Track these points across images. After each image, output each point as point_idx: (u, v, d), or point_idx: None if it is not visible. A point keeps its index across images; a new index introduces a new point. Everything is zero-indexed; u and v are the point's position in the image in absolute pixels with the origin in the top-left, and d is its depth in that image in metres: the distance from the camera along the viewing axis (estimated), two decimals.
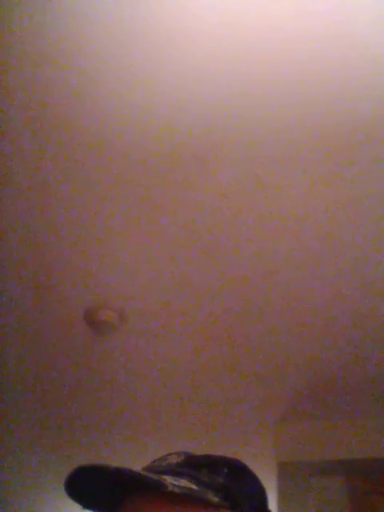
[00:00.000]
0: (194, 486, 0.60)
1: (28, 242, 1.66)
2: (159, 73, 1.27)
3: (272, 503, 2.00)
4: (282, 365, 2.04)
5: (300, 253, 1.67)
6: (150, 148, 1.42)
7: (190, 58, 1.24)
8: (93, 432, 2.41)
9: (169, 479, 0.59)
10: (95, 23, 1.19)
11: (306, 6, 1.16)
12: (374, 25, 1.19)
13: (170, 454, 0.69)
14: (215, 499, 0.61)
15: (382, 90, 1.30)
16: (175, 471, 0.63)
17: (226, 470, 0.65)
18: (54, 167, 1.47)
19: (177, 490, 0.58)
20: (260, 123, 1.36)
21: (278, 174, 1.48)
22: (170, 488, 0.57)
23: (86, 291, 1.80)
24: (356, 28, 1.19)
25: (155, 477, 0.59)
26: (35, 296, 1.81)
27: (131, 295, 1.81)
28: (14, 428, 2.39)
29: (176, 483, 0.59)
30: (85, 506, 0.65)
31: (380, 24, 1.19)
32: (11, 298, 1.82)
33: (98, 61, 1.25)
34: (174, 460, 0.67)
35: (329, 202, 1.54)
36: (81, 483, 0.62)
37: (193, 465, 0.65)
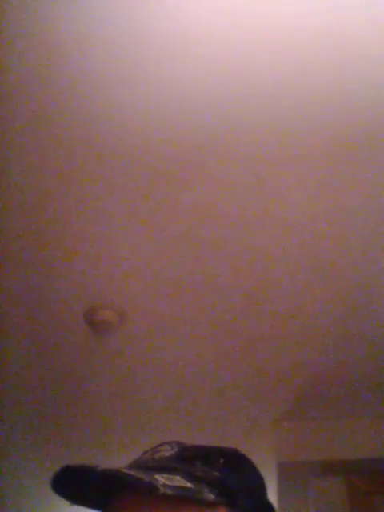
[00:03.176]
0: (188, 484, 0.57)
1: (28, 242, 1.65)
2: (159, 73, 1.27)
3: (271, 501, 1.99)
4: (282, 365, 2.04)
5: (301, 253, 1.67)
6: (151, 148, 1.42)
7: (190, 58, 1.24)
8: (92, 431, 2.41)
9: (161, 479, 0.56)
10: (95, 24, 1.19)
11: (305, 6, 1.16)
12: (375, 25, 1.19)
13: (162, 444, 0.67)
14: (211, 496, 0.58)
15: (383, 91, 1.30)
16: (168, 467, 0.60)
17: (221, 461, 0.63)
18: (54, 168, 1.46)
19: (169, 492, 0.55)
20: (260, 124, 1.36)
21: (279, 175, 1.48)
22: (162, 490, 0.54)
23: (86, 291, 1.80)
24: (356, 28, 1.19)
25: (146, 478, 0.56)
26: (35, 296, 1.81)
27: (131, 295, 1.81)
28: (13, 427, 2.39)
29: (169, 483, 0.56)
30: (73, 502, 0.63)
31: (380, 24, 1.19)
32: (11, 298, 1.82)
33: (98, 61, 1.25)
34: (166, 453, 0.64)
35: (330, 203, 1.54)
36: (69, 481, 0.60)
37: (186, 458, 0.63)
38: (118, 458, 2.45)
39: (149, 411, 2.30)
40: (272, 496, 2.24)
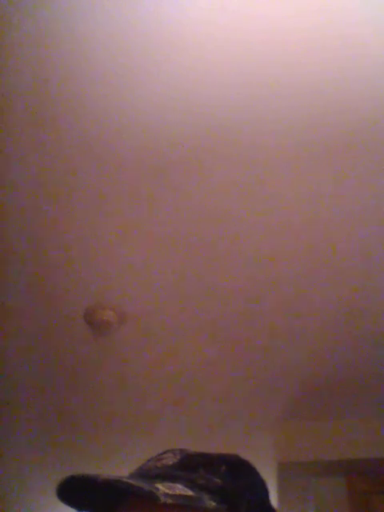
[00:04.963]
0: (189, 492, 0.58)
1: (28, 242, 1.66)
2: (159, 74, 1.27)
3: (272, 503, 2.00)
4: (282, 365, 2.04)
5: (300, 254, 1.67)
6: (150, 149, 1.42)
7: (190, 59, 1.24)
8: (92, 431, 2.41)
9: (162, 488, 0.57)
10: (95, 24, 1.19)
11: (305, 6, 1.16)
12: (374, 25, 1.19)
13: (165, 452, 0.68)
14: (212, 504, 0.58)
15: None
16: (170, 475, 0.61)
17: (223, 469, 0.63)
18: (54, 168, 1.47)
19: (170, 501, 0.56)
20: (260, 124, 1.36)
21: (279, 176, 1.48)
22: (163, 500, 0.55)
23: (86, 291, 1.80)
24: (356, 28, 1.19)
25: (147, 487, 0.57)
26: (35, 296, 1.81)
27: (131, 295, 1.81)
28: (13, 427, 2.39)
29: (170, 492, 0.57)
30: (80, 509, 0.64)
31: (380, 24, 1.19)
32: (11, 298, 1.82)
33: (98, 62, 1.25)
34: (169, 461, 0.65)
35: (330, 204, 1.54)
36: (74, 489, 0.61)
37: (189, 465, 0.63)
38: (117, 458, 2.45)
39: (148, 411, 2.30)
40: (272, 496, 2.24)
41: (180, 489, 0.58)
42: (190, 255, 1.68)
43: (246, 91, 1.30)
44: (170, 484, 0.59)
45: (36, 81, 1.29)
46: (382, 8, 1.16)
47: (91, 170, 1.47)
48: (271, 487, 2.24)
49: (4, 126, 1.38)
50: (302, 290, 1.77)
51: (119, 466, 2.44)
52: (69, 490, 0.61)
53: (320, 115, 1.34)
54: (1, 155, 1.44)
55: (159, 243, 1.65)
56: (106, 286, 1.79)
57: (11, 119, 1.36)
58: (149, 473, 0.63)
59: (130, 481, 0.58)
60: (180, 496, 0.57)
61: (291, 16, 1.17)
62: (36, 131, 1.39)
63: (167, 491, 0.57)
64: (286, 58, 1.24)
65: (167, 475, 0.61)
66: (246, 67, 1.26)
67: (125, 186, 1.51)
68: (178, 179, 1.49)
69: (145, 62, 1.25)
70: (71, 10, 1.17)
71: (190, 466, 0.63)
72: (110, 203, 1.55)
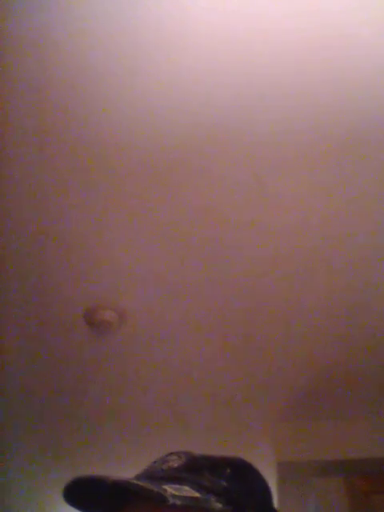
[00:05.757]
0: (196, 494, 0.59)
1: (28, 242, 1.66)
2: (159, 74, 1.27)
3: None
4: (281, 365, 2.04)
5: (300, 253, 1.67)
6: (151, 149, 1.42)
7: (190, 59, 1.24)
8: (92, 431, 2.41)
9: (169, 489, 0.58)
10: (95, 24, 1.19)
11: (305, 6, 1.16)
12: (375, 25, 1.19)
13: (170, 454, 0.68)
14: (218, 506, 0.60)
15: None
16: (176, 477, 0.62)
17: (228, 471, 0.64)
18: (54, 168, 1.47)
19: (178, 502, 0.57)
20: (260, 124, 1.36)
21: (279, 176, 1.48)
22: (171, 501, 0.56)
23: (86, 291, 1.80)
24: (357, 28, 1.19)
25: (155, 488, 0.58)
26: (35, 296, 1.81)
27: (131, 295, 1.81)
28: (12, 427, 2.39)
29: (177, 493, 0.58)
30: (85, 511, 0.64)
31: (380, 24, 1.19)
32: (11, 297, 1.82)
33: (98, 62, 1.26)
34: (174, 463, 0.66)
35: (331, 203, 1.54)
36: (80, 491, 0.62)
37: (194, 468, 0.64)
38: (117, 458, 2.45)
39: (148, 411, 2.30)
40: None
41: (187, 490, 0.60)
42: (190, 255, 1.68)
43: (246, 91, 1.30)
44: (177, 486, 0.60)
45: (35, 81, 1.29)
46: (382, 8, 1.16)
47: (91, 170, 1.47)
48: (271, 487, 2.23)
49: (4, 125, 1.38)
50: (302, 289, 1.77)
51: (118, 466, 2.44)
52: (74, 491, 0.62)
53: (320, 115, 1.35)
54: (1, 156, 1.44)
55: (159, 243, 1.65)
56: (106, 286, 1.79)
57: (11, 120, 1.36)
58: (155, 475, 0.64)
59: (140, 482, 0.59)
60: (188, 497, 0.58)
61: (291, 16, 1.17)
62: (35, 131, 1.39)
63: (175, 493, 0.58)
64: (286, 57, 1.24)
65: (173, 477, 0.62)
66: (246, 67, 1.26)
67: (124, 185, 1.51)
68: (178, 179, 1.49)
69: (145, 62, 1.25)
70: (70, 10, 1.17)
71: (195, 468, 0.64)
72: (109, 203, 1.55)
